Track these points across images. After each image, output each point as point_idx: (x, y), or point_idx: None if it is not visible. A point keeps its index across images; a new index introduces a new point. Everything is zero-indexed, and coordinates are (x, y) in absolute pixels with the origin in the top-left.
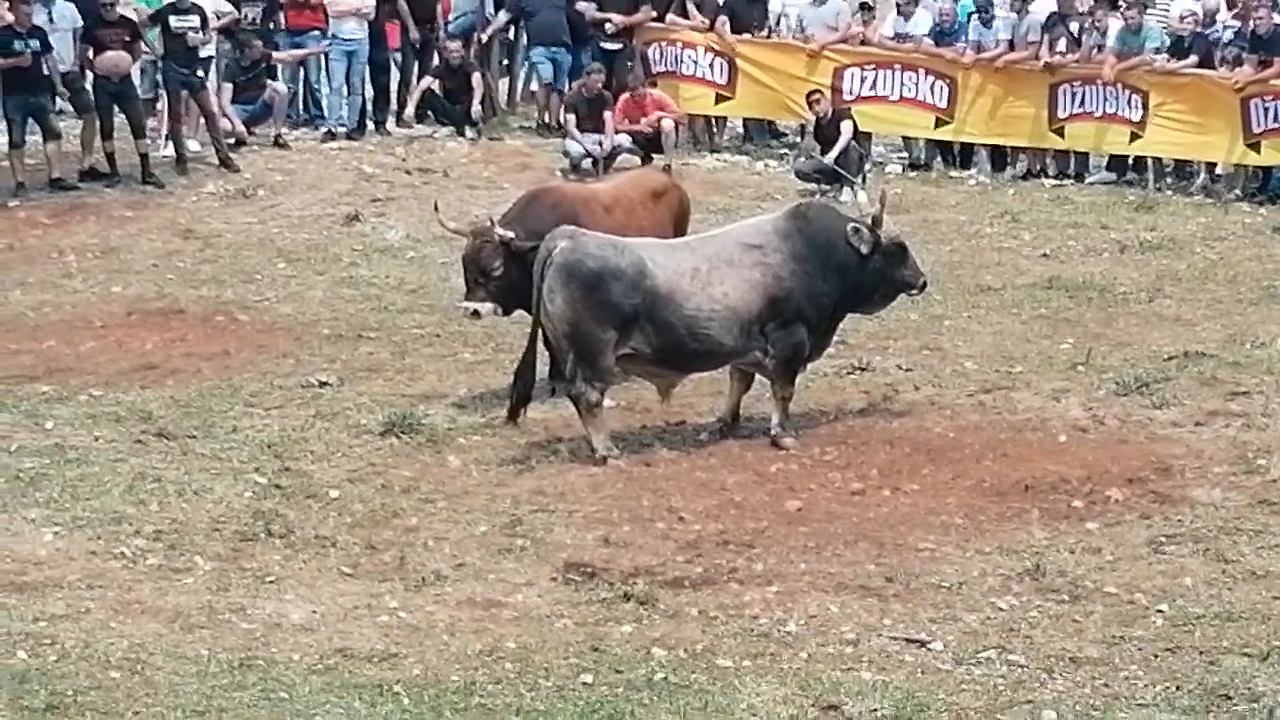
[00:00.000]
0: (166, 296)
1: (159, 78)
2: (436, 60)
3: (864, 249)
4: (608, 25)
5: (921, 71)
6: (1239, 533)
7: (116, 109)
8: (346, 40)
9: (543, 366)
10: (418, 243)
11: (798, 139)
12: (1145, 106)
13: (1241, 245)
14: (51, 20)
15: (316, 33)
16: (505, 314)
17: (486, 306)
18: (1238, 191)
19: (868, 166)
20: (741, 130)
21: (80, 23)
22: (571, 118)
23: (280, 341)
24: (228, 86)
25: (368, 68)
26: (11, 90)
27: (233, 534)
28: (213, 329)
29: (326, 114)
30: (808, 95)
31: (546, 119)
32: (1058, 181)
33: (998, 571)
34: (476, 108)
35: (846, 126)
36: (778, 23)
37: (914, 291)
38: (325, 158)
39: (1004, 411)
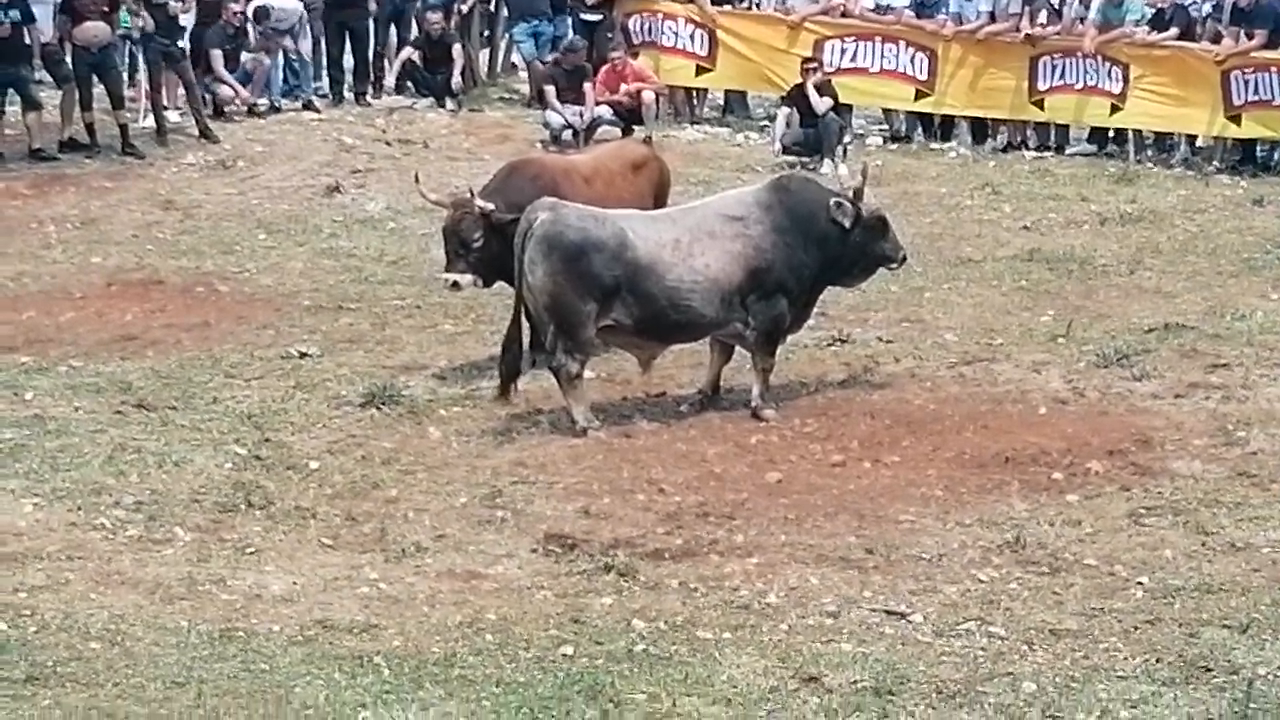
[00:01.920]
0: (146, 267)
1: (134, 50)
2: (416, 31)
3: (845, 222)
4: None
5: (902, 44)
6: (1218, 505)
7: (95, 79)
8: (277, 21)
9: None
10: (398, 214)
11: (775, 110)
12: (1126, 79)
13: (1222, 218)
14: None
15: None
16: (485, 286)
17: (467, 278)
18: (1218, 164)
19: (848, 139)
20: (722, 102)
21: None
22: (551, 89)
23: (260, 313)
24: (218, 53)
25: (324, 37)
26: None
27: (213, 505)
28: (193, 300)
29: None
30: (803, 61)
31: (537, 93)
32: (1038, 154)
33: (978, 543)
34: (457, 79)
35: (826, 98)
36: None
37: (893, 266)
38: (305, 129)
39: (984, 383)
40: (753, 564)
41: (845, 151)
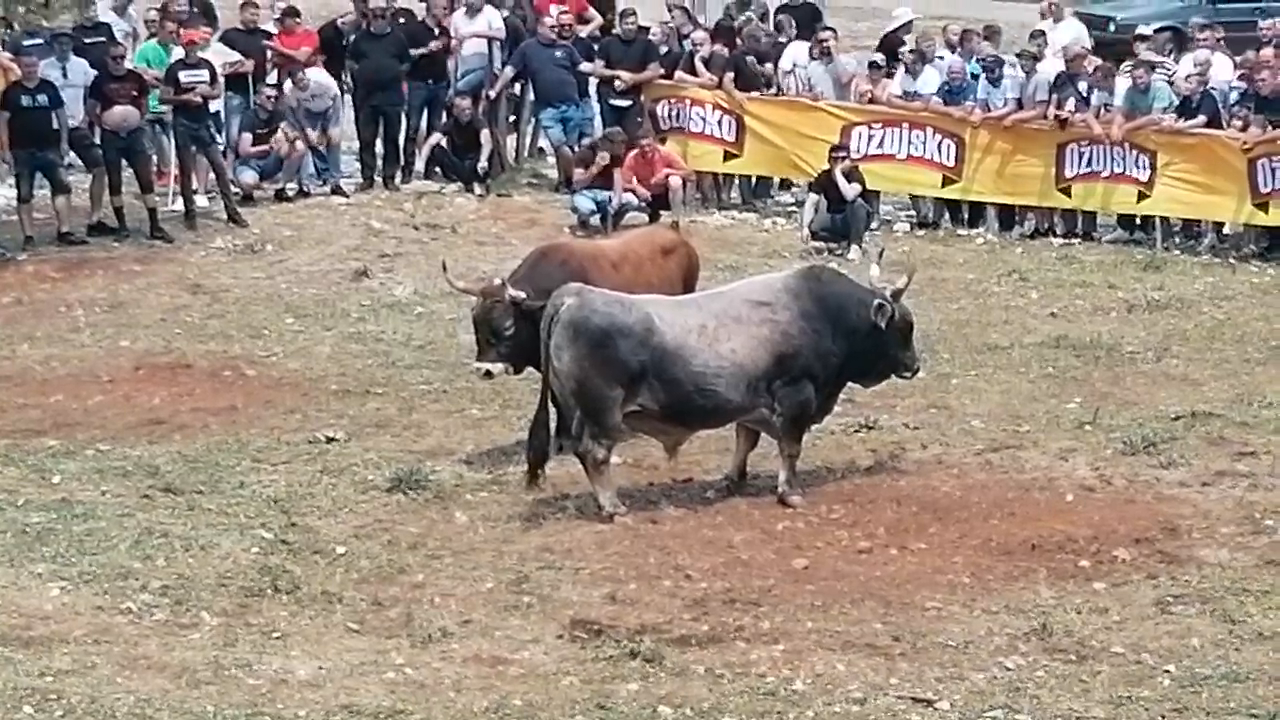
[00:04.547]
0: (174, 351)
1: (164, 136)
2: (445, 116)
3: (882, 322)
4: (617, 82)
5: (929, 130)
6: (1246, 593)
7: (125, 163)
8: (314, 97)
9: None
10: (425, 299)
11: (803, 197)
12: (1153, 166)
13: (1249, 305)
14: (65, 75)
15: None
16: (516, 373)
17: (498, 367)
18: (1247, 250)
19: (874, 225)
20: (750, 186)
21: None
22: (579, 171)
23: (287, 397)
24: (247, 136)
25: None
26: (20, 144)
27: (239, 589)
28: (220, 384)
29: (296, 171)
30: (831, 149)
31: (566, 178)
32: (1066, 240)
33: (1004, 631)
34: (484, 164)
35: (855, 185)
36: (786, 81)
37: (906, 375)
38: (333, 213)
39: (1011, 470)
40: (779, 651)
41: (882, 254)
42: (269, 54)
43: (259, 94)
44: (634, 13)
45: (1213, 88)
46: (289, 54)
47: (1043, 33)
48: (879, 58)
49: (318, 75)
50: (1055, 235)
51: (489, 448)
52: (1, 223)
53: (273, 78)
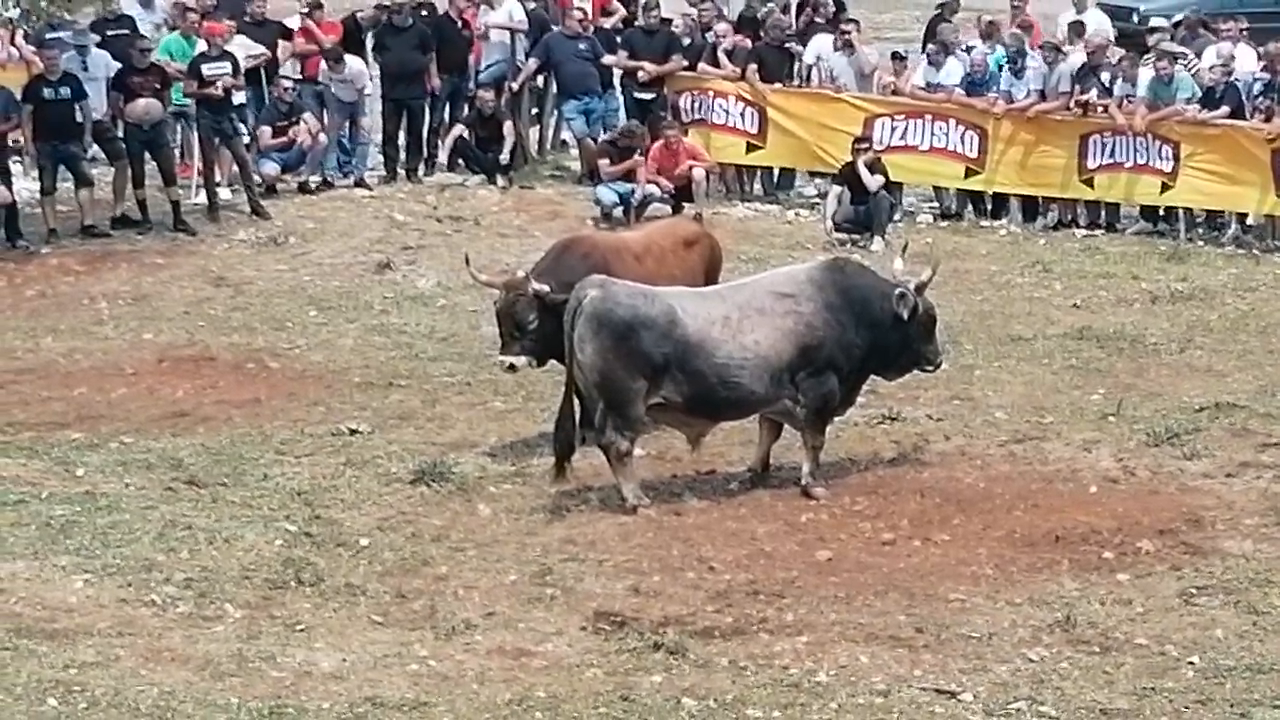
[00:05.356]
0: (198, 344)
1: (187, 129)
2: (468, 108)
3: (904, 313)
4: (640, 74)
5: (952, 121)
6: (1270, 584)
7: (148, 156)
8: (340, 89)
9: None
10: (449, 291)
11: (826, 189)
12: (1176, 157)
13: (1273, 296)
14: (86, 68)
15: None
16: (539, 365)
17: (522, 360)
18: (1271, 241)
19: (897, 216)
20: (773, 178)
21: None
22: (604, 163)
23: (311, 389)
24: (266, 129)
25: (387, 114)
26: (43, 137)
27: (263, 582)
28: (244, 376)
29: (320, 163)
30: (854, 141)
31: (589, 170)
32: (1089, 231)
33: (1028, 622)
34: (507, 156)
35: (878, 176)
36: (808, 72)
37: (929, 368)
38: (356, 205)
39: (1035, 462)
40: (802, 642)
41: (905, 246)
42: (284, 45)
43: (275, 86)
44: (657, 4)
45: (1236, 79)
46: (320, 39)
47: (1081, 23)
48: (901, 49)
49: (354, 62)
50: (1078, 226)
51: (512, 440)
52: (25, 215)
53: (290, 69)
